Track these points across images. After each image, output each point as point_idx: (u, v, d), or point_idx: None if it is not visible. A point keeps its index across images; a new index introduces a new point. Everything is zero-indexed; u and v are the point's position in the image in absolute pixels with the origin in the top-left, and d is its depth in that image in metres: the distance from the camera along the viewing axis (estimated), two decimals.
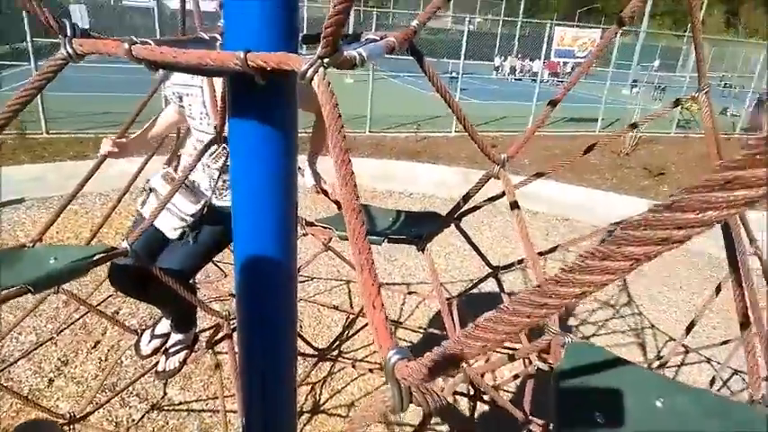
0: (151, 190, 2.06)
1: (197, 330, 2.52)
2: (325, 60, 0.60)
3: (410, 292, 4.51)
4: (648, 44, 24.81)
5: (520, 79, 25.35)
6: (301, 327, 4.02)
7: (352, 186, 0.55)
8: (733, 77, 25.19)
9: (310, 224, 1.72)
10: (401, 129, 11.22)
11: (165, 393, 3.24)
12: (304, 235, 1.88)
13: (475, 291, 2.81)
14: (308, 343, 3.23)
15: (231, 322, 1.97)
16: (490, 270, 2.01)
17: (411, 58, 1.00)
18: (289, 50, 0.65)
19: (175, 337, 2.41)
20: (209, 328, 3.06)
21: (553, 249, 1.79)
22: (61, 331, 3.57)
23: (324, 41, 0.59)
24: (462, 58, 11.95)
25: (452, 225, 1.80)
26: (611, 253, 0.25)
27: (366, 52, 0.74)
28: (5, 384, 2.75)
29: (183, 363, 2.38)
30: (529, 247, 1.05)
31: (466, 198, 1.32)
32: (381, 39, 0.87)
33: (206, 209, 2.02)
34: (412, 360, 0.47)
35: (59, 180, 6.08)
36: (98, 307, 3.06)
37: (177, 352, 2.39)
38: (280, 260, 0.84)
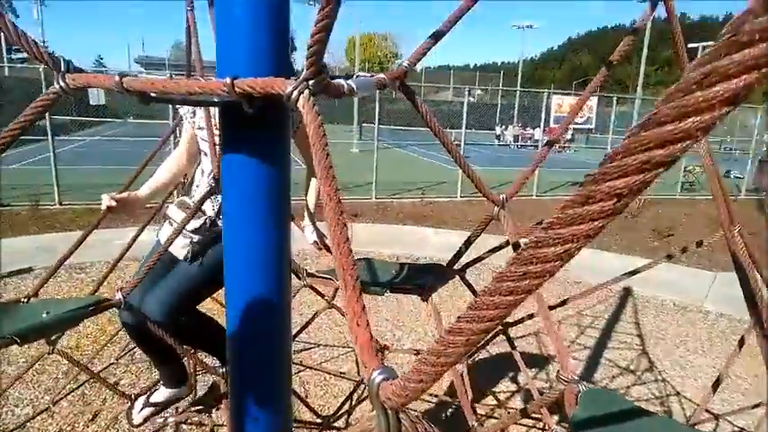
0: (165, 218, 2.08)
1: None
2: (311, 82, 0.60)
3: (417, 352, 4.34)
4: (645, 110, 25.51)
5: (524, 146, 25.99)
6: (307, 396, 3.84)
7: (336, 202, 0.53)
8: (733, 141, 25.59)
9: (311, 275, 1.68)
10: (407, 194, 11.37)
11: None
12: (305, 286, 1.82)
13: (484, 354, 2.70)
14: (313, 411, 3.07)
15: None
16: (500, 327, 1.93)
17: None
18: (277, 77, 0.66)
19: (167, 392, 2.33)
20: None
21: (563, 303, 1.72)
22: (58, 401, 3.44)
23: (308, 62, 0.59)
24: (464, 127, 12.32)
25: (458, 284, 1.76)
26: (590, 193, 0.22)
27: (355, 84, 0.75)
28: None
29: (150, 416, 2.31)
30: (538, 297, 1.00)
31: (467, 243, 1.29)
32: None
33: (211, 226, 1.99)
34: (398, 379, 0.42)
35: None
36: (99, 375, 2.96)
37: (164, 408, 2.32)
38: (272, 298, 0.80)
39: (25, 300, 1.45)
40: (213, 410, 2.24)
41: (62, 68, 0.69)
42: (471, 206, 10.85)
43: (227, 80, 0.63)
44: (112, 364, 3.96)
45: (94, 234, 2.03)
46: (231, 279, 0.87)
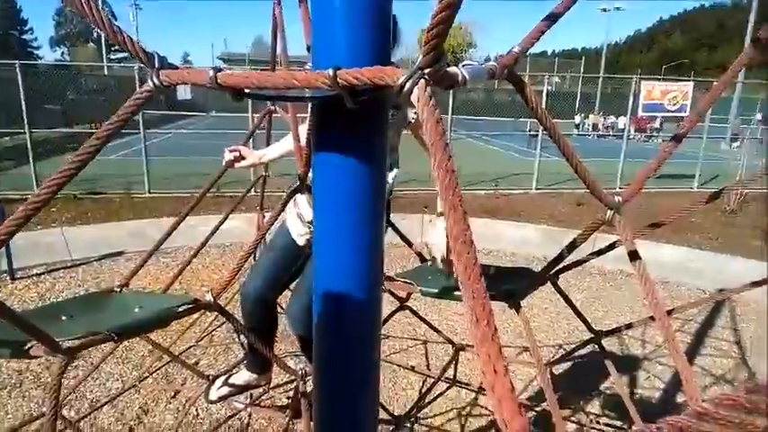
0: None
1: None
2: (426, 71, 0.51)
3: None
4: (747, 97, 23.18)
5: (604, 136, 24.55)
6: None
7: (461, 214, 0.44)
8: None
9: (389, 278, 1.61)
10: (479, 186, 11.08)
11: None
12: (383, 291, 1.76)
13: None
14: (383, 407, 3.04)
15: (308, 381, 1.86)
16: (592, 335, 1.77)
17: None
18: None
19: (248, 376, 2.39)
20: (283, 384, 2.97)
21: (670, 312, 1.52)
22: (143, 379, 3.66)
23: (426, 49, 0.50)
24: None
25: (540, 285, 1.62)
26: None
27: (468, 72, 0.66)
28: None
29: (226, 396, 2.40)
30: (658, 306, 0.86)
31: (570, 248, 1.16)
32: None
33: None
34: None
35: (157, 235, 6.49)
36: (180, 356, 3.11)
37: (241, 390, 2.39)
38: (363, 307, 0.73)
39: (118, 289, 1.50)
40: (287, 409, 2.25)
41: (156, 65, 0.65)
42: (548, 199, 10.39)
43: (330, 71, 0.55)
44: (193, 345, 4.15)
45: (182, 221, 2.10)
46: (322, 280, 0.82)
